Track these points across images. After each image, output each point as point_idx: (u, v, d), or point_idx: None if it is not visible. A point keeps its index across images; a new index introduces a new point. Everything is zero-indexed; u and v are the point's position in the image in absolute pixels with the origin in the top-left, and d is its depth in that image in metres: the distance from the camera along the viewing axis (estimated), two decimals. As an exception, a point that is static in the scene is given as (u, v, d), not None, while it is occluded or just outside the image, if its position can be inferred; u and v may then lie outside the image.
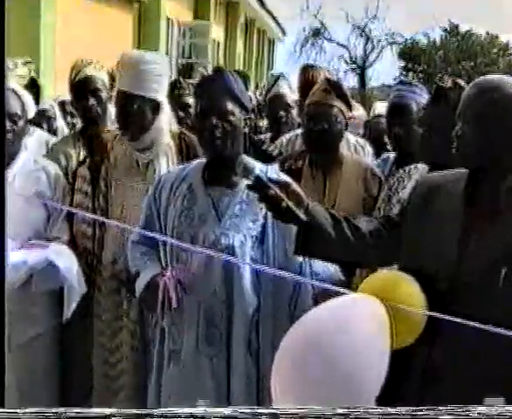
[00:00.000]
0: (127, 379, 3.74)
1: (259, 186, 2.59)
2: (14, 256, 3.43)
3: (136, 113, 3.67)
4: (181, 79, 5.51)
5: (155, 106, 3.74)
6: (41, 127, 5.26)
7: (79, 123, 4.87)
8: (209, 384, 3.11)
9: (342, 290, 2.29)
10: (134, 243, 3.36)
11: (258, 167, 3.03)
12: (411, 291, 2.34)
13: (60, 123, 5.82)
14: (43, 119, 5.50)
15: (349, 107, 4.00)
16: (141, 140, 3.72)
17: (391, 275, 2.42)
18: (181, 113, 5.00)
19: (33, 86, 5.12)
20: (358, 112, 6.44)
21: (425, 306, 2.31)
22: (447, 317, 2.01)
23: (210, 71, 3.74)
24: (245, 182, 2.80)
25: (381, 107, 6.10)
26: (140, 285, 3.22)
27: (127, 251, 3.45)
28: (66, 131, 5.61)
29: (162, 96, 3.81)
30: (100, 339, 3.79)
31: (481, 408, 1.55)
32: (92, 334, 3.82)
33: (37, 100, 5.33)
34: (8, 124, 3.58)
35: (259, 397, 3.11)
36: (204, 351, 3.11)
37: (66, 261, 3.56)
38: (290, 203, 2.55)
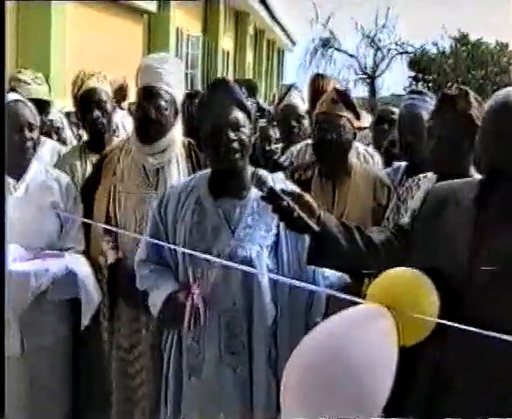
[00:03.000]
0: (145, 390, 3.74)
1: (272, 197, 2.61)
2: (30, 265, 3.46)
3: (160, 110, 3.70)
4: (201, 90, 5.52)
5: (176, 111, 3.79)
6: (50, 137, 5.26)
7: (84, 134, 4.88)
8: (232, 395, 3.12)
9: (353, 298, 2.30)
10: (143, 261, 3.32)
11: (270, 178, 3.05)
12: (424, 291, 2.35)
13: (68, 133, 5.84)
14: (52, 129, 5.50)
15: (358, 117, 4.01)
16: (157, 144, 3.74)
17: (403, 276, 2.42)
18: None
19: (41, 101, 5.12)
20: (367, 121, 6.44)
21: (437, 304, 2.33)
22: (457, 325, 2.02)
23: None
24: (258, 193, 2.80)
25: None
26: (156, 302, 3.19)
27: (135, 271, 3.38)
28: (75, 142, 5.62)
29: (179, 103, 3.85)
30: (119, 352, 3.79)
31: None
32: (109, 345, 3.83)
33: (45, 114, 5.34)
34: (27, 133, 3.62)
35: (279, 407, 3.11)
36: (227, 361, 3.11)
37: (84, 270, 3.59)
38: (302, 214, 2.57)
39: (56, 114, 5.81)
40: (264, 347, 3.11)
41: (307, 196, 2.66)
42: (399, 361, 2.22)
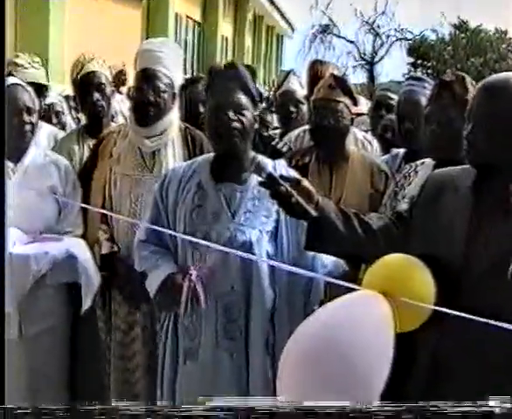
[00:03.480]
0: (142, 372, 3.78)
1: (271, 183, 2.61)
2: (30, 248, 3.47)
3: (158, 92, 3.72)
4: (204, 76, 5.51)
5: (174, 95, 3.82)
6: (50, 122, 5.25)
7: (83, 118, 4.87)
8: (229, 380, 3.13)
9: (350, 285, 2.31)
10: (142, 242, 3.33)
11: (270, 164, 3.05)
12: (420, 277, 2.36)
13: (68, 118, 5.83)
14: (52, 113, 5.49)
15: (355, 103, 4.02)
16: (154, 126, 3.76)
17: (399, 262, 2.42)
18: (202, 109, 4.97)
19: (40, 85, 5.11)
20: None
21: (433, 291, 2.34)
22: (453, 312, 2.03)
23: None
24: (257, 178, 2.82)
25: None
26: (153, 284, 3.21)
27: (135, 252, 3.41)
28: (74, 126, 5.61)
29: (177, 87, 3.88)
30: (116, 333, 3.82)
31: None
32: (108, 329, 3.86)
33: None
34: (26, 117, 3.62)
35: (276, 392, 3.12)
36: (224, 346, 3.13)
37: (84, 253, 3.60)
38: (301, 199, 2.58)
39: (56, 98, 5.80)
40: (261, 333, 3.12)
41: (306, 182, 2.67)
42: (397, 348, 2.23)
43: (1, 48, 1.63)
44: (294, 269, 2.82)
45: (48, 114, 5.33)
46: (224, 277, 3.11)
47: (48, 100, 5.41)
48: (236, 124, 3.10)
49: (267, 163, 2.87)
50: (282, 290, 3.13)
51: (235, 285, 3.11)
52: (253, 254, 3.06)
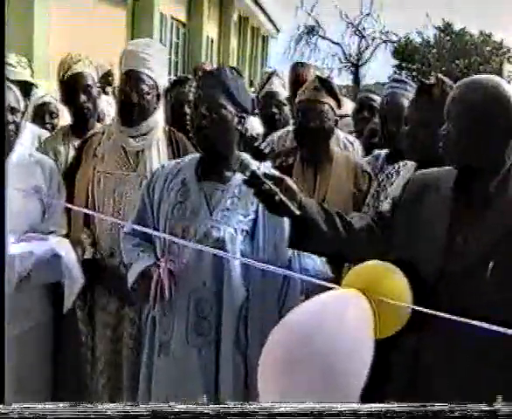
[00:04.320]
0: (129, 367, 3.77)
1: (255, 181, 2.64)
2: (14, 248, 3.45)
3: (141, 94, 3.75)
4: (190, 77, 5.52)
5: (158, 96, 3.84)
6: (43, 121, 5.19)
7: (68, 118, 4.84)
8: (197, 375, 3.15)
9: (329, 285, 2.33)
10: (127, 235, 3.42)
11: (254, 163, 3.08)
12: (396, 283, 2.37)
13: (61, 122, 5.75)
14: (46, 113, 5.37)
15: (339, 104, 4.05)
16: (139, 127, 3.79)
17: (377, 266, 2.45)
18: (187, 110, 4.97)
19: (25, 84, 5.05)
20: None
21: (410, 297, 2.35)
22: (431, 311, 2.05)
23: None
24: (240, 177, 2.84)
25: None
26: (132, 275, 3.27)
27: (121, 244, 3.49)
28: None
29: (161, 88, 3.91)
30: (105, 330, 3.82)
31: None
32: (92, 326, 3.87)
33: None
34: (9, 116, 3.62)
35: (246, 391, 3.14)
36: (194, 341, 3.15)
37: (69, 253, 3.59)
38: (284, 198, 2.60)
39: (49, 97, 5.69)
40: (232, 331, 3.14)
41: (289, 181, 2.69)
42: (378, 350, 2.25)
43: (1, 48, 1.64)
44: (264, 266, 2.82)
45: (41, 113, 5.26)
46: (196, 272, 3.14)
47: (42, 100, 5.34)
48: (206, 120, 3.13)
49: (251, 162, 2.90)
50: (255, 289, 3.15)
51: (207, 281, 3.14)
52: (226, 252, 3.08)
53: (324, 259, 3.15)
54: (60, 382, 3.91)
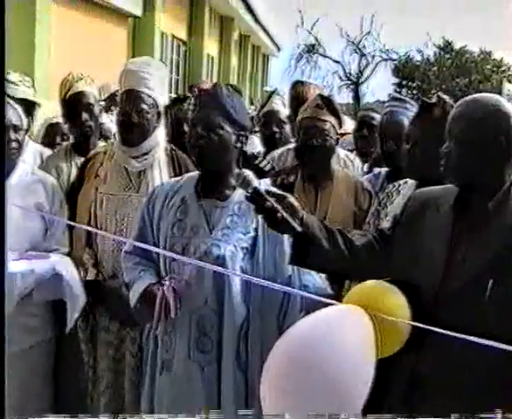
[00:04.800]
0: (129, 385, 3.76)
1: (257, 197, 2.65)
2: (16, 266, 3.46)
3: (141, 114, 3.75)
4: (189, 95, 5.53)
5: (158, 114, 3.84)
6: (54, 142, 5.18)
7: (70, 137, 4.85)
8: (200, 393, 3.15)
9: (330, 301, 2.33)
10: (128, 254, 3.40)
11: (256, 180, 3.09)
12: (395, 302, 2.38)
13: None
14: (56, 134, 5.34)
15: (340, 123, 4.06)
16: (140, 147, 3.79)
17: (377, 285, 2.45)
18: (186, 129, 4.97)
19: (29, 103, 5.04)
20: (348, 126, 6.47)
21: (409, 316, 2.35)
22: (431, 328, 2.05)
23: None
24: (240, 194, 2.85)
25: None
26: (134, 295, 3.26)
27: (121, 263, 3.47)
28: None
29: (161, 106, 3.90)
30: (107, 349, 3.81)
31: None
32: (94, 345, 3.86)
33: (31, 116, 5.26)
34: (12, 134, 3.63)
35: (247, 407, 3.13)
36: (196, 359, 3.15)
37: (71, 271, 3.60)
38: (286, 214, 2.61)
39: (60, 118, 5.61)
40: (232, 348, 3.14)
41: (291, 198, 2.71)
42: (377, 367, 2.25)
43: (1, 48, 1.65)
44: (269, 283, 2.79)
45: (52, 134, 5.23)
46: (198, 290, 3.15)
47: (53, 120, 5.31)
48: (203, 140, 3.15)
49: (253, 178, 2.92)
50: (255, 307, 3.15)
51: (209, 298, 3.14)
52: (226, 269, 3.09)
53: (324, 276, 3.15)
54: (61, 401, 3.91)
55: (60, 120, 5.32)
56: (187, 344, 3.17)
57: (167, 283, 3.15)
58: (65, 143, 4.60)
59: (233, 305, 3.12)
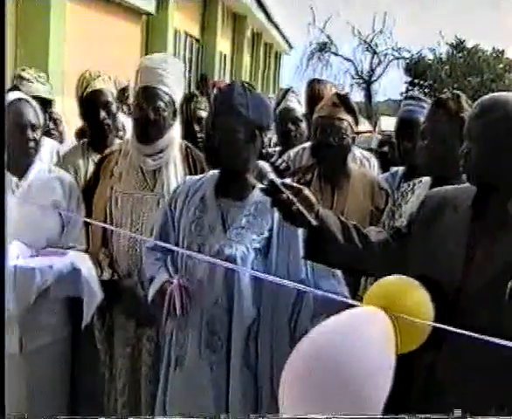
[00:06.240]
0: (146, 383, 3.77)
1: (273, 190, 2.64)
2: (34, 262, 3.47)
3: (158, 111, 3.72)
4: (197, 93, 5.52)
5: (174, 112, 3.82)
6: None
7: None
8: (209, 391, 3.16)
9: (348, 301, 2.33)
10: (149, 250, 3.43)
11: (272, 173, 3.07)
12: (419, 299, 2.36)
13: (66, 127, 5.73)
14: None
15: (357, 121, 4.05)
16: (155, 144, 3.76)
17: (400, 281, 2.44)
18: (196, 127, 4.99)
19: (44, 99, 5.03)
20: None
21: (432, 313, 2.34)
22: (453, 329, 2.04)
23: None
24: (258, 194, 2.84)
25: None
26: (152, 290, 3.28)
27: (143, 259, 3.51)
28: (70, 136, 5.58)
29: (178, 104, 3.88)
30: (124, 348, 3.81)
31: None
32: (110, 344, 3.87)
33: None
34: (30, 133, 3.62)
35: (256, 408, 3.15)
36: (206, 357, 3.16)
37: (88, 267, 3.60)
38: (301, 207, 2.60)
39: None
40: (241, 348, 3.14)
41: (307, 191, 2.69)
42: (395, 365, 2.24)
43: (1, 48, 1.65)
44: (282, 281, 2.75)
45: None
46: (209, 289, 3.15)
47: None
48: (217, 143, 3.15)
49: (269, 170, 2.89)
50: (266, 308, 3.14)
51: (220, 298, 3.15)
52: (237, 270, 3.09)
53: (341, 281, 3.14)
54: (78, 400, 3.92)
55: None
56: (198, 342, 3.18)
57: (175, 281, 3.16)
58: (81, 140, 4.59)
59: (243, 306, 3.11)
